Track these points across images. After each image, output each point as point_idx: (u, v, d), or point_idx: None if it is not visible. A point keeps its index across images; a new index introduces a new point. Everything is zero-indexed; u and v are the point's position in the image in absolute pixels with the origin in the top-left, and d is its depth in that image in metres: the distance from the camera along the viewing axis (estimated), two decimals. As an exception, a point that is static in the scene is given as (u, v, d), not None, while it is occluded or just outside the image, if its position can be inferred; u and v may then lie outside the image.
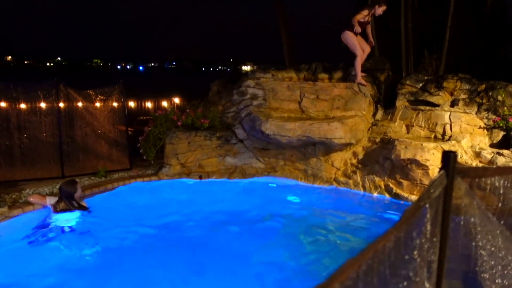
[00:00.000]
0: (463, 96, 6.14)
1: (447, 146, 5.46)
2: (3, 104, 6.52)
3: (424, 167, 5.40)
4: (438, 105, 6.17)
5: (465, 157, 5.49)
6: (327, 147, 6.31)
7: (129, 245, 4.40)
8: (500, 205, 1.62)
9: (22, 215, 4.90)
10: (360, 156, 6.33)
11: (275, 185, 6.47)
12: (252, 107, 6.77)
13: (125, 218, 5.03)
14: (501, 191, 1.59)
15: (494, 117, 5.81)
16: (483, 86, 6.14)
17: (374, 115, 6.64)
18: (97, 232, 4.61)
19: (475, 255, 1.47)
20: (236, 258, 4.17)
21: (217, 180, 6.56)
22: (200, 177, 6.58)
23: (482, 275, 1.50)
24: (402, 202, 5.56)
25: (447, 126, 5.96)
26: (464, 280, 1.57)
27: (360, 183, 6.15)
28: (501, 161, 5.22)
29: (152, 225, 4.91)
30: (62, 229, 4.57)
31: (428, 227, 1.22)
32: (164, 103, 11.94)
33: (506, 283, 1.56)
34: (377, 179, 6.02)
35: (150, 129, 7.06)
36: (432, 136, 6.04)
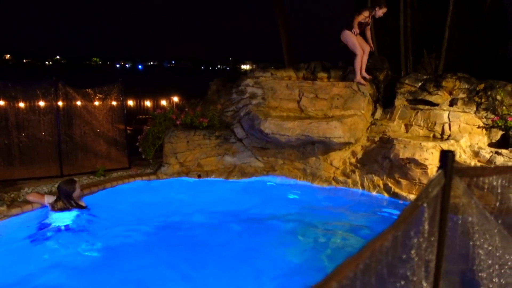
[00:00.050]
0: (462, 95, 6.15)
1: (446, 146, 5.46)
2: (1, 103, 6.51)
3: (422, 166, 5.41)
4: (437, 105, 6.18)
5: (464, 157, 5.50)
6: (326, 146, 6.31)
7: (128, 244, 4.40)
8: (498, 204, 1.62)
9: (21, 213, 4.89)
10: (359, 155, 6.34)
11: (274, 184, 6.48)
12: (251, 106, 6.77)
13: (124, 217, 5.03)
14: (499, 191, 1.59)
15: (493, 116, 5.82)
16: (482, 86, 6.15)
17: (373, 114, 6.65)
18: (95, 231, 4.61)
19: (472, 254, 1.47)
20: (236, 256, 4.17)
21: (216, 179, 6.56)
22: (199, 176, 6.57)
23: (479, 274, 1.50)
24: (400, 201, 5.57)
25: (446, 126, 5.96)
26: (462, 279, 1.57)
27: (359, 182, 6.15)
28: (499, 160, 5.23)
29: (151, 224, 4.91)
30: (60, 228, 4.57)
31: (426, 226, 1.22)
32: (163, 102, 11.92)
33: (503, 282, 1.56)
34: (376, 178, 6.03)
35: (149, 128, 7.05)
36: (431, 135, 6.04)
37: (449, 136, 5.84)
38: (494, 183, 1.57)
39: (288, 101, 6.78)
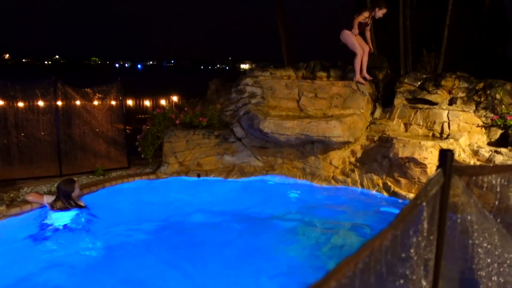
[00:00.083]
0: (461, 94, 6.15)
1: (445, 145, 5.47)
2: (0, 102, 6.50)
3: (422, 165, 5.41)
4: (436, 104, 6.18)
5: (463, 155, 5.50)
6: (325, 146, 6.31)
7: (127, 243, 4.40)
8: (497, 203, 1.63)
9: (20, 213, 4.89)
10: (358, 155, 6.34)
11: (273, 183, 6.48)
12: (251, 105, 6.77)
13: (123, 216, 5.03)
14: (498, 189, 1.59)
15: (492, 115, 5.82)
16: (481, 85, 6.15)
17: (372, 113, 6.65)
18: (94, 230, 4.62)
19: (471, 253, 1.48)
20: (235, 255, 4.18)
21: (216, 179, 6.55)
22: (199, 176, 6.57)
23: (478, 272, 1.50)
24: (400, 200, 5.57)
25: (445, 125, 5.97)
26: (461, 278, 1.57)
27: (358, 181, 6.15)
28: (499, 159, 5.24)
29: (151, 223, 4.91)
30: (60, 228, 4.57)
31: (425, 225, 1.22)
32: (163, 102, 11.90)
33: (502, 281, 1.56)
34: (375, 177, 6.03)
35: (148, 127, 7.04)
36: (430, 134, 6.05)
37: (448, 135, 5.85)
38: (493, 182, 1.57)
39: (287, 100, 6.78)
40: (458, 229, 1.43)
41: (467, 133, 5.81)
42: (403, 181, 5.70)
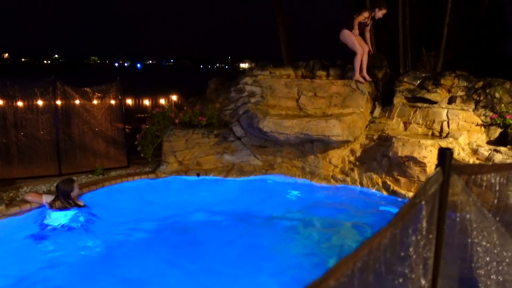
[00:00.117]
0: (460, 93, 6.15)
1: (444, 143, 5.47)
2: (0, 102, 6.50)
3: (421, 164, 5.41)
4: (435, 102, 6.18)
5: (463, 154, 5.51)
6: (325, 145, 6.31)
7: (127, 243, 4.41)
8: (496, 201, 1.63)
9: (20, 213, 4.88)
10: (358, 154, 6.34)
11: (272, 182, 6.48)
12: (250, 104, 6.77)
13: (123, 215, 5.03)
14: (497, 188, 1.59)
15: (491, 114, 5.83)
16: (481, 83, 6.15)
17: (371, 112, 6.65)
18: (94, 230, 4.62)
19: (470, 251, 1.48)
20: (235, 253, 4.18)
21: (215, 178, 6.55)
22: (198, 175, 6.57)
23: (477, 271, 1.51)
24: (399, 199, 5.58)
25: (445, 123, 5.97)
26: (460, 276, 1.58)
27: (358, 180, 6.16)
28: (498, 158, 5.24)
29: (150, 223, 4.91)
30: (59, 227, 4.57)
31: (424, 224, 1.22)
32: (162, 101, 11.90)
33: (501, 279, 1.56)
34: (374, 176, 6.03)
35: (147, 126, 7.04)
36: (430, 133, 6.05)
37: (447, 134, 5.85)
38: (492, 181, 1.57)
39: (286, 99, 6.78)
40: (457, 228, 1.43)
41: (467, 132, 5.81)
42: (402, 180, 5.71)
